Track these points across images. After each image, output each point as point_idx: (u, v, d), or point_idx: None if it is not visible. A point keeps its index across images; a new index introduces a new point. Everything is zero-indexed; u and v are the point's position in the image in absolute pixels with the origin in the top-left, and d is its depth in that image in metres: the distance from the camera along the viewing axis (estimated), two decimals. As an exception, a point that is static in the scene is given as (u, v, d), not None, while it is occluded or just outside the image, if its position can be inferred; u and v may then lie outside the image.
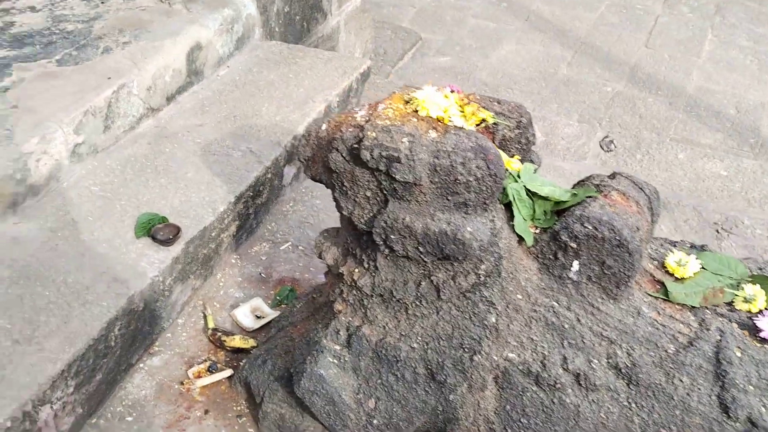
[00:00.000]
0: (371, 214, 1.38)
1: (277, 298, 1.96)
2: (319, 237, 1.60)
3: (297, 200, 2.34)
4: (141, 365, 1.75)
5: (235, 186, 1.98)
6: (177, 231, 1.78)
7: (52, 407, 1.46)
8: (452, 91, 1.38)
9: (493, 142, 1.37)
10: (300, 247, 2.16)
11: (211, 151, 2.08)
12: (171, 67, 2.21)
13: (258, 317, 1.89)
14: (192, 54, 2.29)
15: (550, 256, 1.35)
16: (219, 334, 1.81)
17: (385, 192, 1.34)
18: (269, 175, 2.11)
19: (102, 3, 2.38)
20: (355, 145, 1.33)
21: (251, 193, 2.03)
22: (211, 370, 1.74)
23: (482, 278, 1.33)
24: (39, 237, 1.74)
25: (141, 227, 1.78)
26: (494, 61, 3.93)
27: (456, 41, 4.11)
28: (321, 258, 1.57)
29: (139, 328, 1.69)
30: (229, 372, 1.74)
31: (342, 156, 1.36)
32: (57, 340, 1.50)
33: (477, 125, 1.37)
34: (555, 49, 4.06)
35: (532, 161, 1.48)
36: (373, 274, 1.44)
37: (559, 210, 1.36)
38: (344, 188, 1.39)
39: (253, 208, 2.08)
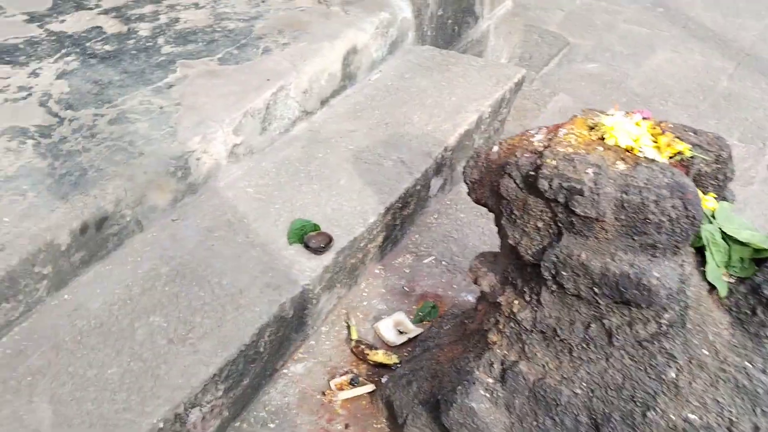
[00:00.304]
0: (541, 246, 1.28)
1: (420, 313, 1.91)
2: (475, 261, 1.52)
3: (441, 212, 2.27)
4: (285, 371, 1.74)
5: (385, 197, 1.94)
6: (329, 240, 1.76)
7: (201, 410, 1.47)
8: (644, 118, 1.26)
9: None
10: (443, 262, 2.09)
11: (362, 158, 2.06)
12: (327, 70, 2.20)
13: (401, 332, 1.85)
14: (348, 57, 2.27)
15: (747, 311, 1.20)
16: (362, 346, 1.78)
17: (560, 224, 1.24)
18: (418, 187, 2.06)
19: (262, 2, 2.41)
20: (531, 173, 1.23)
21: (400, 205, 1.99)
22: (353, 383, 1.71)
23: (664, 328, 1.21)
24: (196, 236, 1.77)
25: (294, 234, 1.77)
26: (647, 69, 3.67)
27: (606, 47, 3.89)
28: (476, 283, 1.49)
29: (286, 335, 1.69)
30: (371, 387, 1.70)
31: (515, 182, 1.27)
32: (210, 342, 1.52)
33: (670, 158, 1.23)
34: (715, 59, 3.75)
35: (725, 199, 1.33)
36: (536, 308, 1.34)
37: (760, 258, 1.21)
38: (513, 216, 1.31)
39: (399, 219, 2.04)
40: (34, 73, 1.98)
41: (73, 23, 2.23)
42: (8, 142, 1.74)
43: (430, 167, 2.10)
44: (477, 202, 1.44)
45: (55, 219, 1.56)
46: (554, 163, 1.20)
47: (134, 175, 1.71)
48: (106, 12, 2.30)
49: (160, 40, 2.17)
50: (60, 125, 1.81)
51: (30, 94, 1.90)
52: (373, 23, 2.36)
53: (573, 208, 1.18)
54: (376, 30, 2.37)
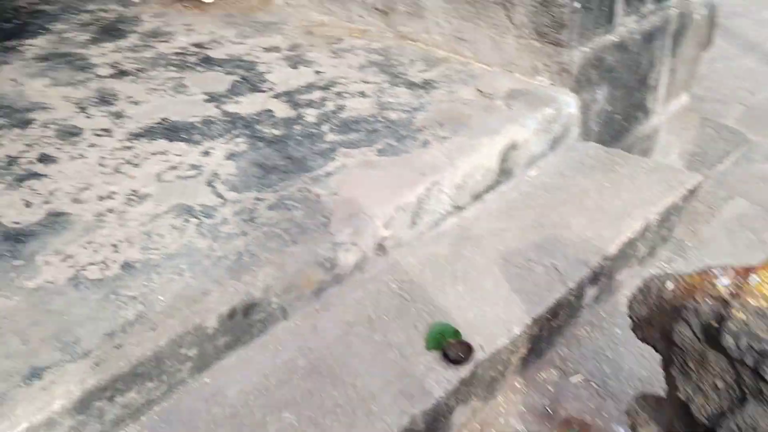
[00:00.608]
0: (718, 409, 1.11)
1: (562, 440, 1.74)
2: (633, 404, 1.35)
3: (594, 325, 2.10)
4: (409, 486, 1.64)
5: (533, 306, 1.81)
6: (469, 350, 1.66)
7: None
8: None
9: None
10: (593, 383, 1.91)
11: (512, 261, 1.95)
12: (483, 166, 2.14)
13: (538, 461, 1.69)
14: (506, 153, 2.20)
15: None
16: (494, 471, 1.65)
17: (744, 389, 1.06)
18: (570, 298, 1.92)
19: (426, 93, 2.42)
20: (714, 324, 1.08)
21: (548, 316, 1.85)
22: None
23: None
24: (336, 329, 1.74)
25: (433, 339, 1.69)
26: (842, 176, 3.28)
27: (792, 149, 3.53)
28: (633, 430, 1.33)
29: (415, 448, 1.60)
30: None
31: (692, 331, 1.12)
32: (338, 449, 1.46)
33: None
34: None
35: None
36: (706, 477, 1.15)
37: None
38: (686, 368, 1.14)
39: (546, 331, 1.90)
40: (206, 153, 2.10)
41: (247, 105, 2.36)
42: (174, 219, 1.83)
43: (586, 277, 1.95)
44: (642, 340, 1.29)
45: (207, 302, 1.60)
46: (743, 317, 1.04)
47: (285, 263, 1.72)
48: (277, 96, 2.41)
49: (325, 128, 2.22)
50: (223, 206, 1.88)
51: (200, 173, 2.00)
52: (535, 119, 2.28)
53: (763, 375, 1.01)
54: (538, 126, 2.29)
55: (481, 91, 2.42)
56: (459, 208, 2.12)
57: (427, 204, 2.01)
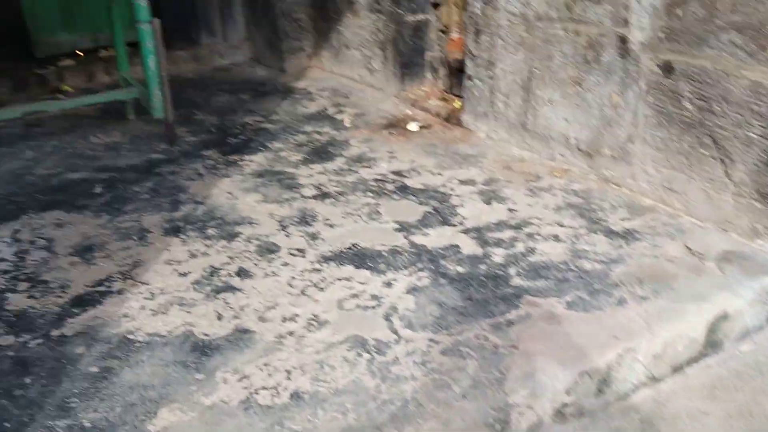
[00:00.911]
0: None
1: None
2: None
3: None
4: None
5: None
6: None
7: None
8: None
9: None
10: None
11: (715, 456, 1.68)
12: (687, 335, 1.91)
13: None
14: (715, 323, 1.95)
15: None
16: None
17: None
18: None
19: (627, 244, 2.25)
20: None
21: None
22: None
23: None
24: (499, 501, 1.58)
25: None
26: None
27: None
28: None
29: None
30: None
31: None
32: None
33: None
34: None
35: None
36: None
37: None
38: None
39: None
40: (388, 284, 2.10)
41: (435, 238, 2.35)
42: (347, 352, 1.82)
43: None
44: None
45: (365, 450, 1.54)
46: None
47: (451, 419, 1.62)
48: (467, 231, 2.39)
49: (512, 270, 2.14)
50: (396, 344, 1.84)
51: (379, 305, 2.00)
52: (752, 288, 2.02)
53: None
54: (755, 296, 2.02)
55: (689, 249, 2.21)
56: (654, 380, 1.89)
57: (617, 371, 1.81)
